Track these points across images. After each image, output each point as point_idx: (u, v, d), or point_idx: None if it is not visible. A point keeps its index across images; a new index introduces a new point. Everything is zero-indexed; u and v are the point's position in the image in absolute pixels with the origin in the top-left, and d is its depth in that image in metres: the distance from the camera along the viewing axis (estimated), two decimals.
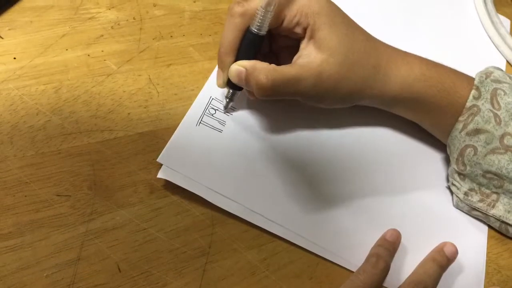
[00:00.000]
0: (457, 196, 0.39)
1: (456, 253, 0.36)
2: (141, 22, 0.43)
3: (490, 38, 0.54)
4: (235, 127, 0.38)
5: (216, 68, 0.41)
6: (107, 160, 0.34)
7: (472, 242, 0.39)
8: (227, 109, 0.39)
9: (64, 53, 0.39)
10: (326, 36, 0.33)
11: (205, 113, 0.38)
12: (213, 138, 0.37)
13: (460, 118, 0.36)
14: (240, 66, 0.34)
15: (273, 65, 0.33)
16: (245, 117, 0.39)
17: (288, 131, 0.39)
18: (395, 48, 0.38)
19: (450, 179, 0.40)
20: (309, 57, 0.34)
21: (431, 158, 0.42)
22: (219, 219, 0.34)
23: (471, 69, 0.39)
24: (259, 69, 0.33)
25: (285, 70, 0.33)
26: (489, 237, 0.39)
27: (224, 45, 0.34)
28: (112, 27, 0.41)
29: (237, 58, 0.35)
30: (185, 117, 0.37)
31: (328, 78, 0.34)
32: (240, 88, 0.37)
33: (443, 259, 0.35)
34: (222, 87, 0.37)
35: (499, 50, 0.53)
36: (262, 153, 0.37)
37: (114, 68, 0.39)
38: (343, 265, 0.35)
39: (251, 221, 0.34)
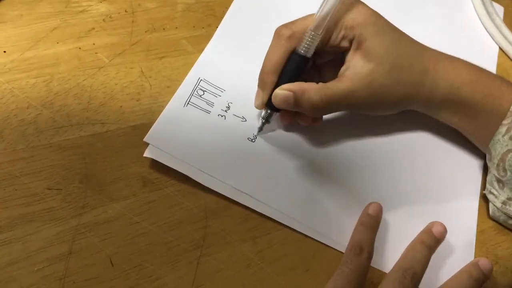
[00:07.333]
0: (494, 205, 0.38)
1: (445, 232, 0.36)
2: (133, 15, 0.42)
3: (486, 29, 0.53)
4: (222, 109, 0.38)
5: (205, 51, 0.41)
6: (99, 154, 0.34)
7: (462, 220, 0.39)
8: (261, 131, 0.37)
9: (55, 46, 0.38)
10: (373, 45, 0.33)
11: (193, 94, 0.38)
12: (201, 119, 0.37)
13: (504, 122, 0.36)
14: (285, 91, 0.33)
15: (320, 83, 0.33)
16: (233, 98, 0.39)
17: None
18: (441, 52, 0.38)
19: (488, 187, 0.39)
20: (356, 68, 0.34)
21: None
22: (213, 211, 0.34)
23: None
24: (309, 90, 0.33)
25: (336, 86, 0.33)
26: (487, 227, 0.39)
27: (268, 65, 0.34)
28: (103, 20, 0.41)
29: (280, 80, 0.34)
30: (173, 97, 0.37)
31: (379, 86, 0.34)
32: (279, 110, 0.35)
33: (431, 241, 0.35)
34: (261, 108, 0.36)
35: (494, 40, 0.52)
36: (250, 134, 0.37)
37: (105, 61, 0.38)
38: (333, 247, 0.35)
39: (237, 201, 0.34)
